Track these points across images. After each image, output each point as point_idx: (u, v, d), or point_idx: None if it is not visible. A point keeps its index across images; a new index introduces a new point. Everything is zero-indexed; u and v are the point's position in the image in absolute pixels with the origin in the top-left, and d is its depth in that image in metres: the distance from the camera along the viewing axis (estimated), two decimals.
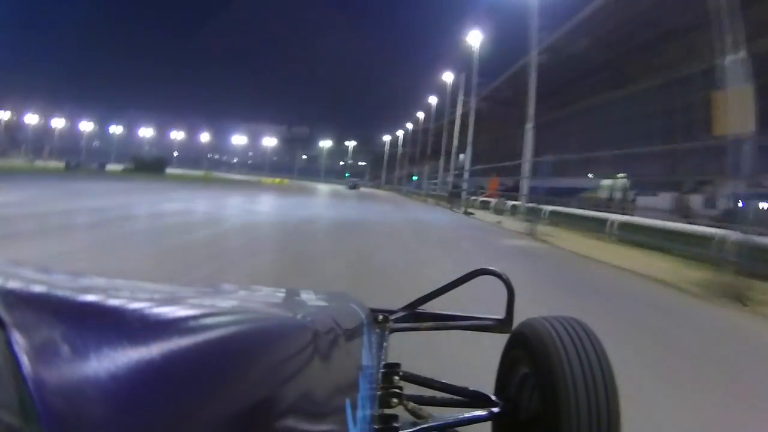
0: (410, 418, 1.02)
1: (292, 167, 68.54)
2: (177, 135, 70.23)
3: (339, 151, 71.05)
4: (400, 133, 55.14)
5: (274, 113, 76.28)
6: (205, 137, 72.46)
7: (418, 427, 0.95)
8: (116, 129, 67.35)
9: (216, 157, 74.50)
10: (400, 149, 51.42)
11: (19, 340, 0.26)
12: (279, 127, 72.66)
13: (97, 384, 0.27)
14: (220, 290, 0.87)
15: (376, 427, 0.86)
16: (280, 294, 0.94)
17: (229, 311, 0.55)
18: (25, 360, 0.25)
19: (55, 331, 0.29)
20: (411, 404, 1.04)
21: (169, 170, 34.41)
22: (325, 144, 70.30)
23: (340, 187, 39.61)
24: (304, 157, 74.24)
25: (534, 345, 0.99)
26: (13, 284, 0.34)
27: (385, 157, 55.21)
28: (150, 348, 0.32)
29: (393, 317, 1.39)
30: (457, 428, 1.01)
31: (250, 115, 75.22)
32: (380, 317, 1.34)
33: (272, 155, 73.22)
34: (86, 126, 63.68)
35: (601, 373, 0.90)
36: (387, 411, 0.95)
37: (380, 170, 60.04)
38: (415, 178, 42.65)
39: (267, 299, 0.87)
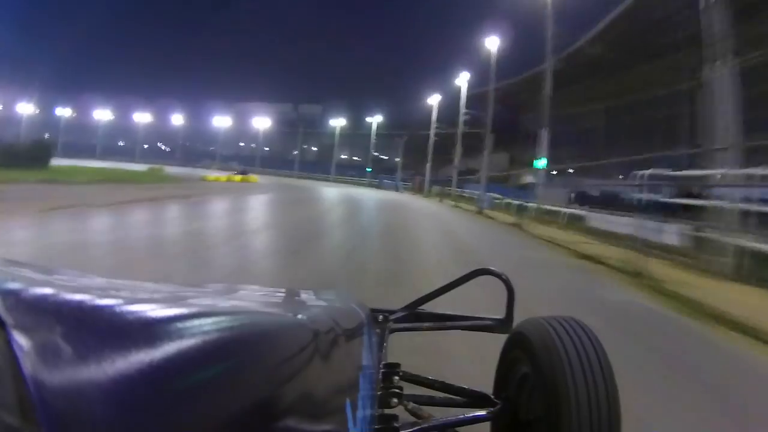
0: (410, 418, 1.28)
1: (294, 159, 62.40)
2: (142, 118, 68.16)
3: (358, 138, 58.86)
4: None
5: (272, 89, 68.80)
6: (177, 120, 68.66)
7: (418, 427, 1.18)
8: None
9: (188, 144, 70.41)
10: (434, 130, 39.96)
11: (19, 340, 0.30)
12: (281, 106, 65.63)
13: (97, 384, 0.31)
14: (220, 290, 1.09)
15: (376, 427, 1.06)
16: (280, 294, 1.19)
17: (229, 311, 0.68)
18: (25, 360, 0.29)
19: (55, 331, 0.33)
20: (411, 404, 1.32)
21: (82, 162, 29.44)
22: (338, 123, 59.30)
23: (361, 192, 32.62)
24: (311, 148, 66.87)
25: (534, 345, 1.21)
26: (13, 284, 0.40)
27: (431, 142, 39.74)
28: (150, 348, 0.38)
29: (393, 317, 1.68)
30: (457, 428, 1.26)
31: (240, 92, 68.65)
32: (380, 317, 1.63)
33: (270, 143, 67.12)
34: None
35: (601, 373, 1.11)
36: (387, 411, 1.19)
37: (420, 163, 44.67)
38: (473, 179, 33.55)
39: (267, 299, 1.08)
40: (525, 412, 1.27)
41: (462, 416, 1.28)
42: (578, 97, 24.75)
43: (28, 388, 0.28)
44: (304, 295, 1.22)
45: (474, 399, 1.41)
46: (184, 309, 0.54)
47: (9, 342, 0.30)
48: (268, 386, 0.51)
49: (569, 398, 1.07)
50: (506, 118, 35.22)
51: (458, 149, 34.26)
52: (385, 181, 47.27)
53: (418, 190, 41.00)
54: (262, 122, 65.00)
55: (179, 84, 77.36)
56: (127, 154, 59.21)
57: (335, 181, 52.02)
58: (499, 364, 1.42)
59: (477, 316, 1.65)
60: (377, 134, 56.24)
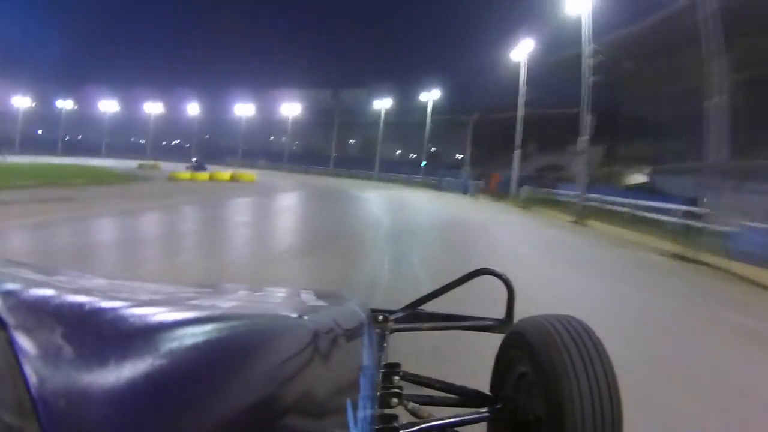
0: (410, 418, 1.63)
1: (331, 154, 61.93)
2: (153, 109, 73.20)
3: (409, 129, 56.19)
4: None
5: (306, 74, 66.88)
6: (193, 110, 72.81)
7: (418, 427, 1.52)
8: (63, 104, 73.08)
9: (209, 138, 73.79)
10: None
11: (19, 340, 0.37)
12: (317, 93, 66.35)
13: (97, 384, 0.39)
14: (220, 290, 1.37)
15: (376, 427, 1.35)
16: (280, 294, 1.50)
17: (229, 311, 0.83)
18: (25, 360, 0.36)
19: (56, 332, 0.41)
20: (411, 404, 1.68)
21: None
22: (383, 105, 57.25)
23: (413, 199, 26.19)
24: (352, 141, 67.31)
25: (534, 344, 1.51)
26: (13, 285, 0.49)
27: (520, 116, 31.51)
28: (150, 348, 0.46)
29: (393, 317, 2.07)
30: (457, 428, 1.62)
31: (269, 79, 69.71)
32: (380, 317, 2.02)
33: (305, 136, 68.66)
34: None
35: (603, 370, 1.40)
36: (387, 411, 1.52)
37: (487, 158, 41.58)
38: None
39: (267, 299, 1.38)
40: (524, 411, 1.60)
41: (462, 416, 1.63)
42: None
43: (29, 388, 0.33)
44: (304, 295, 1.55)
45: (474, 399, 1.77)
46: (184, 309, 0.70)
47: (10, 342, 0.35)
48: (269, 386, 0.63)
49: (572, 396, 1.34)
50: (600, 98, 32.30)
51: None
52: (447, 179, 40.91)
53: (494, 192, 32.99)
54: (291, 109, 65.64)
55: (196, 72, 79.38)
56: (137, 151, 63.12)
57: (380, 180, 49.67)
58: (495, 363, 1.77)
59: (477, 316, 2.02)
60: (433, 119, 51.72)
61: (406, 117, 55.94)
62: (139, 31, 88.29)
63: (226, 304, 1.04)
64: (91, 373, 0.39)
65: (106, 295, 0.72)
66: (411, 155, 61.07)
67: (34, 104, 70.32)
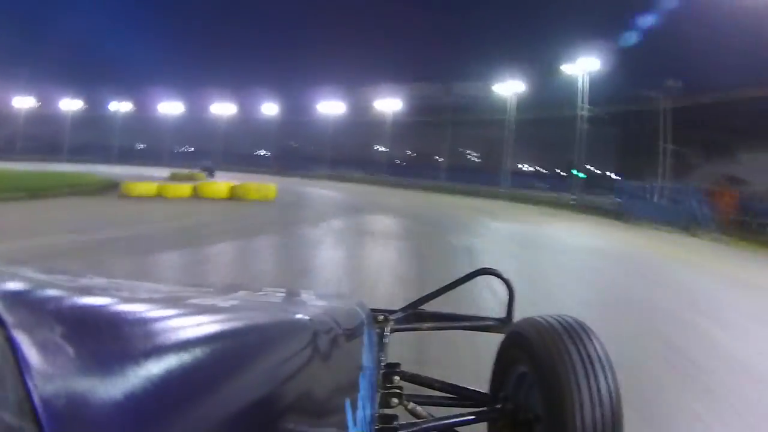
0: (410, 417, 2.08)
1: (442, 163, 60.34)
2: (223, 110, 75.64)
3: (548, 127, 48.60)
4: None
5: (405, 66, 66.70)
6: (270, 110, 74.49)
7: (418, 427, 1.94)
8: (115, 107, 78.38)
9: (295, 146, 76.44)
10: None
11: (19, 340, 0.43)
12: (424, 86, 63.35)
13: (97, 384, 0.45)
14: (220, 290, 1.66)
15: (376, 426, 1.72)
16: (281, 294, 1.90)
17: (229, 311, 1.05)
18: (25, 360, 0.41)
19: (56, 331, 0.48)
20: (411, 404, 2.13)
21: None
22: (510, 89, 50.47)
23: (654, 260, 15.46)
24: (466, 150, 64.25)
25: (534, 344, 1.90)
26: (13, 284, 0.62)
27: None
28: (150, 348, 0.56)
29: (393, 317, 2.54)
30: (457, 428, 2.03)
31: (358, 73, 66.53)
32: (380, 317, 2.48)
33: (410, 140, 67.47)
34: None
35: (602, 370, 1.75)
36: (387, 411, 1.95)
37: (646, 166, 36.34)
38: None
39: (267, 299, 1.73)
40: (524, 410, 2.01)
41: (462, 416, 2.07)
42: None
43: (28, 388, 0.39)
44: (304, 295, 1.97)
45: (474, 399, 2.22)
46: (184, 309, 0.85)
47: (9, 342, 0.42)
48: (268, 386, 0.76)
49: (572, 396, 1.69)
50: None
51: None
52: (636, 201, 30.08)
53: (730, 223, 23.09)
54: (390, 106, 63.83)
55: (271, 69, 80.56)
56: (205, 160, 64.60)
57: (511, 198, 41.72)
58: (495, 363, 2.21)
59: (477, 315, 2.50)
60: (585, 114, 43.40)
61: (541, 112, 49.47)
62: (212, 28, 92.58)
63: (225, 303, 1.26)
64: (91, 373, 0.46)
65: (106, 294, 0.93)
66: (535, 166, 57.89)
67: (84, 107, 77.73)
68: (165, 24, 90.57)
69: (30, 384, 0.40)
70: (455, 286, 2.66)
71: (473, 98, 57.87)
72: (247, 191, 25.16)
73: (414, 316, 2.68)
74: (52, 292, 0.67)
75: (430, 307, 2.77)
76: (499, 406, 2.12)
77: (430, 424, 1.99)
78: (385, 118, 64.78)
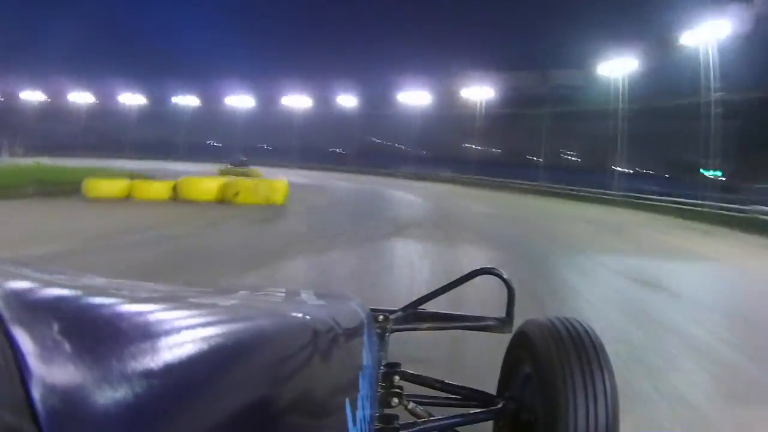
0: (410, 417, 2.28)
1: (539, 162, 55.44)
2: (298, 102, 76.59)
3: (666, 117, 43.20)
4: None
5: (495, 52, 64.09)
6: (348, 102, 74.28)
7: (418, 427, 2.15)
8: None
9: (376, 141, 75.57)
10: None
11: (19, 340, 0.46)
12: (517, 76, 59.69)
13: (97, 384, 0.49)
14: (220, 290, 1.79)
15: (376, 426, 1.91)
16: (280, 294, 2.08)
17: (229, 311, 1.13)
18: (25, 360, 0.44)
19: (56, 331, 0.52)
20: (411, 404, 2.34)
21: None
22: (617, 68, 45.52)
23: None
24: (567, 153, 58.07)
25: (537, 345, 2.09)
26: (13, 284, 0.66)
27: None
28: (150, 348, 0.60)
29: (393, 317, 2.76)
30: (457, 428, 2.23)
31: (443, 60, 66.22)
32: (380, 317, 2.71)
33: (497, 137, 62.95)
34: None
35: (600, 375, 1.93)
36: (387, 411, 2.17)
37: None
38: None
39: (267, 299, 1.84)
40: (525, 411, 2.19)
41: (462, 416, 2.26)
42: None
43: (28, 387, 0.42)
44: (304, 295, 2.13)
45: (474, 399, 2.42)
46: (184, 309, 0.95)
47: (9, 341, 0.45)
48: (268, 386, 0.84)
49: (566, 398, 1.86)
50: None
51: None
52: None
53: None
54: (478, 96, 62.30)
55: (348, 56, 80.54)
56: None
57: (627, 205, 36.48)
58: (503, 363, 2.42)
59: (477, 315, 2.73)
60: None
61: (652, 101, 45.06)
62: (281, 18, 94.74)
63: (225, 303, 1.33)
64: (90, 373, 0.50)
65: (105, 293, 0.98)
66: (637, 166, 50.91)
67: (145, 102, 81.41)
68: (232, 12, 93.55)
69: (29, 383, 0.43)
70: (455, 286, 2.88)
71: (572, 87, 55.23)
72: (240, 191, 20.91)
73: (414, 315, 2.91)
74: (51, 292, 0.75)
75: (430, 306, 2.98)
76: (499, 406, 2.32)
77: (431, 424, 2.19)
78: (475, 110, 63.00)
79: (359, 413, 1.44)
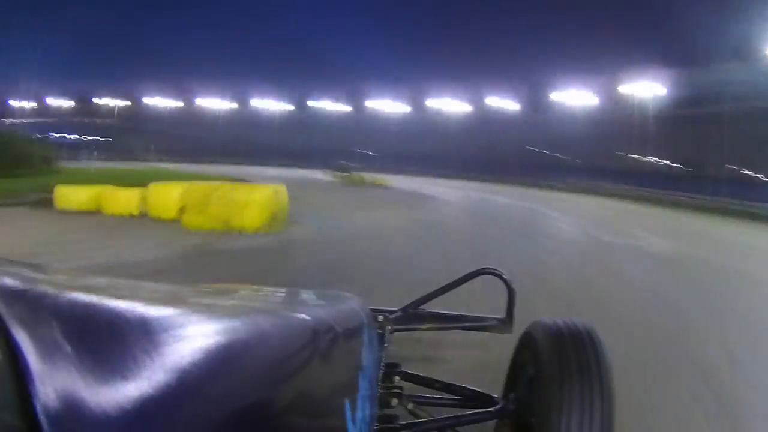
0: (410, 417, 2.30)
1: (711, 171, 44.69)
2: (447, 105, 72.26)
3: None
4: None
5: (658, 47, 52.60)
6: (507, 106, 67.25)
7: (418, 428, 2.17)
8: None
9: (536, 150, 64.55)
10: None
11: (19, 340, 0.49)
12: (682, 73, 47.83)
13: (96, 383, 0.51)
14: (220, 290, 1.86)
15: (376, 426, 1.94)
16: (280, 294, 2.16)
17: (229, 311, 1.22)
18: (25, 360, 0.48)
19: (55, 331, 0.55)
20: (411, 404, 2.34)
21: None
22: None
23: None
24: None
25: (540, 346, 2.10)
26: (13, 284, 0.72)
27: None
28: (149, 348, 0.63)
29: (393, 317, 2.77)
30: (457, 428, 2.23)
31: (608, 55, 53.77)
32: (380, 317, 2.72)
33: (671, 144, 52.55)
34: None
35: (598, 379, 1.91)
36: (387, 411, 2.20)
37: None
38: None
39: (267, 299, 1.92)
40: (525, 411, 2.17)
41: (462, 416, 2.27)
42: None
43: (28, 387, 0.45)
44: (304, 295, 2.17)
45: (474, 399, 2.42)
46: (183, 309, 0.94)
47: (9, 342, 0.48)
48: (268, 386, 0.86)
49: (561, 399, 1.88)
50: None
51: None
52: None
53: None
54: (644, 96, 52.84)
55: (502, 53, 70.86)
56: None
57: None
58: (510, 363, 2.40)
59: (477, 315, 2.72)
60: None
61: None
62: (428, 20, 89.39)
63: (225, 303, 1.39)
64: (90, 373, 0.52)
65: (105, 294, 0.99)
66: None
67: (234, 106, 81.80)
68: (378, 18, 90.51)
69: (29, 383, 0.45)
70: (455, 287, 2.88)
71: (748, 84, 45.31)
72: (189, 205, 14.45)
73: (414, 316, 2.93)
74: (52, 292, 0.75)
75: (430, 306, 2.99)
76: (499, 406, 2.31)
77: (431, 425, 2.20)
78: (642, 114, 54.08)
79: (359, 413, 1.47)
